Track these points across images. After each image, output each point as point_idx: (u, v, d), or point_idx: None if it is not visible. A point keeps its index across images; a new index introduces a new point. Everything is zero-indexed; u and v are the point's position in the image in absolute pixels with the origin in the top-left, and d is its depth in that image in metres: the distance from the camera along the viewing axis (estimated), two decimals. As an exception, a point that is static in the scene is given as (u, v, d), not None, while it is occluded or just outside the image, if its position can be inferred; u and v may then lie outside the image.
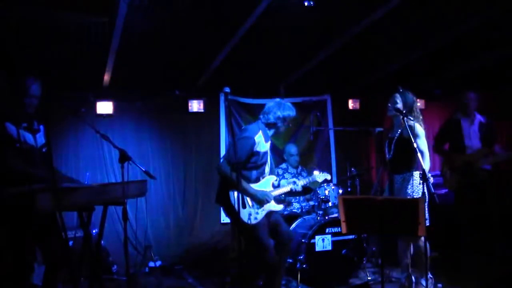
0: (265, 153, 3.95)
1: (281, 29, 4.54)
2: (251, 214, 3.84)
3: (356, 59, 5.53)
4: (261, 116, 3.97)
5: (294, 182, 4.17)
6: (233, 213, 3.82)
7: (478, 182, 5.02)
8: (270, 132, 3.97)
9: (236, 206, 3.72)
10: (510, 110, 6.43)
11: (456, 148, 5.22)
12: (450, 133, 5.28)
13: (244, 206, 3.79)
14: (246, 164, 3.84)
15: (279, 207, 4.08)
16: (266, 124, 3.94)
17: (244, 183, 3.79)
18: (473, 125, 5.12)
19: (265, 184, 4.03)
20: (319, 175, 4.49)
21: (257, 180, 3.94)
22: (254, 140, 3.82)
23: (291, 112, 3.97)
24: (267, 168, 4.04)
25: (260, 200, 3.87)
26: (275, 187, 4.11)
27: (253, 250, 4.00)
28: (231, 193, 3.81)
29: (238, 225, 3.83)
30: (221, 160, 3.93)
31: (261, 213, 3.90)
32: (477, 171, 4.97)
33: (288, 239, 4.05)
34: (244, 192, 3.81)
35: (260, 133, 3.87)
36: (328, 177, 4.57)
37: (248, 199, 3.84)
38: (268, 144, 3.98)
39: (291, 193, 5.32)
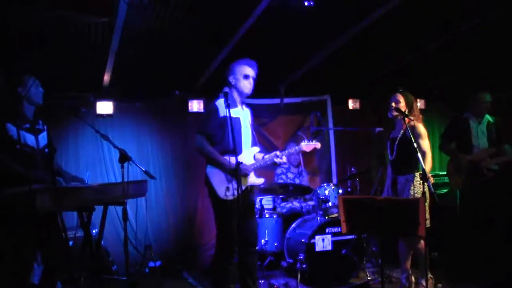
0: (235, 119, 3.72)
1: (281, 29, 4.54)
2: (230, 189, 3.67)
3: (356, 59, 5.53)
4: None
5: (277, 156, 3.89)
6: (211, 191, 3.70)
7: (484, 182, 5.01)
8: (235, 94, 3.81)
9: (213, 183, 3.67)
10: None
11: (463, 147, 5.20)
12: (458, 132, 5.24)
13: (239, 186, 3.51)
14: (217, 133, 3.72)
15: (259, 180, 3.89)
16: (226, 87, 3.82)
17: (218, 155, 3.68)
18: (481, 125, 5.10)
19: (247, 157, 3.85)
20: (306, 145, 4.04)
21: (234, 151, 3.64)
22: (215, 104, 3.75)
23: (245, 65, 3.80)
24: (246, 139, 3.87)
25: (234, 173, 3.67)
26: (258, 160, 3.92)
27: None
28: (208, 169, 3.73)
29: (213, 205, 3.75)
30: (196, 136, 3.78)
31: (240, 187, 3.71)
32: (482, 171, 4.97)
33: (251, 236, 3.84)
34: (219, 164, 3.67)
35: (221, 100, 3.75)
36: (318, 145, 4.09)
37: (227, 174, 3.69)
38: (239, 111, 3.81)
39: (289, 191, 5.35)
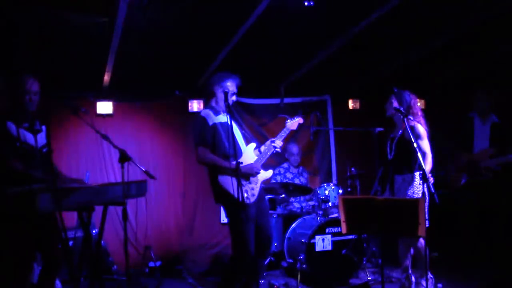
0: (224, 124, 3.81)
1: (281, 29, 4.54)
2: (248, 191, 3.76)
3: (356, 59, 5.53)
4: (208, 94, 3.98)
5: (272, 141, 4.03)
6: (229, 199, 3.67)
7: (482, 182, 5.02)
8: (218, 105, 3.91)
9: (230, 189, 3.65)
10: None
11: (464, 146, 5.23)
12: (460, 130, 5.27)
13: (239, 185, 3.54)
14: (216, 142, 3.78)
15: (269, 173, 3.99)
16: (216, 98, 3.93)
17: (225, 162, 3.71)
18: (485, 125, 5.10)
19: (249, 155, 3.92)
20: (291, 123, 4.23)
21: (236, 154, 3.71)
22: (202, 115, 3.83)
23: (230, 80, 3.92)
24: (240, 140, 3.95)
25: (247, 174, 3.79)
26: (258, 154, 4.01)
27: (233, 243, 3.81)
28: (220, 178, 3.72)
29: (232, 213, 3.73)
30: (197, 150, 3.80)
31: (256, 187, 3.83)
32: (481, 171, 4.97)
33: (267, 237, 3.92)
34: (228, 170, 3.67)
35: (207, 110, 3.88)
36: (301, 120, 4.29)
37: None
38: (224, 117, 3.84)
39: (289, 191, 5.37)
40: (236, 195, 3.59)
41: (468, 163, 5.05)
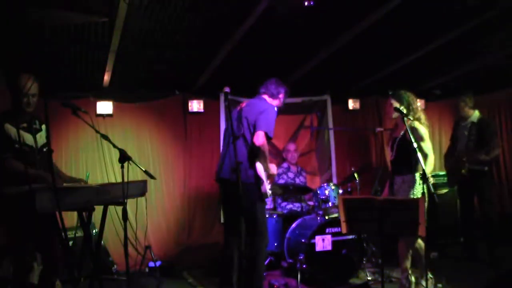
0: None
1: (281, 29, 4.54)
2: (267, 186, 3.99)
3: (356, 59, 5.53)
4: (267, 91, 4.15)
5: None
6: (258, 185, 3.88)
7: (464, 182, 5.17)
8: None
9: (263, 176, 3.89)
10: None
11: (450, 149, 5.48)
12: (452, 134, 5.48)
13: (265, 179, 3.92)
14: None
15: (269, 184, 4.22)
16: (272, 97, 4.14)
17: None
18: (466, 127, 5.21)
19: None
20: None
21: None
22: (276, 110, 4.02)
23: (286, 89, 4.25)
24: None
25: (271, 173, 4.00)
26: None
27: (256, 232, 3.93)
28: (258, 164, 3.89)
29: (259, 204, 3.89)
30: (260, 133, 3.83)
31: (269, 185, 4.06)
32: (460, 172, 5.07)
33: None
34: (266, 164, 3.92)
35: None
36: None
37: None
38: None
39: (289, 191, 5.39)
40: (266, 187, 3.90)
41: (452, 164, 5.18)
